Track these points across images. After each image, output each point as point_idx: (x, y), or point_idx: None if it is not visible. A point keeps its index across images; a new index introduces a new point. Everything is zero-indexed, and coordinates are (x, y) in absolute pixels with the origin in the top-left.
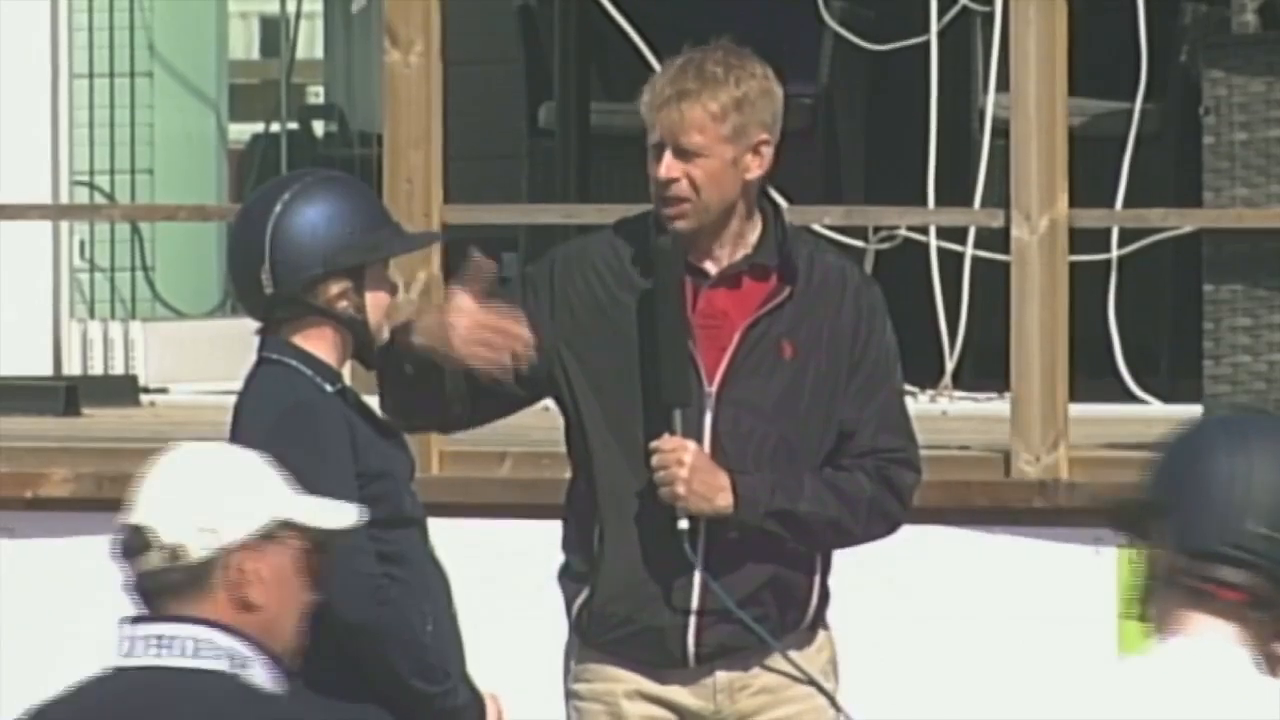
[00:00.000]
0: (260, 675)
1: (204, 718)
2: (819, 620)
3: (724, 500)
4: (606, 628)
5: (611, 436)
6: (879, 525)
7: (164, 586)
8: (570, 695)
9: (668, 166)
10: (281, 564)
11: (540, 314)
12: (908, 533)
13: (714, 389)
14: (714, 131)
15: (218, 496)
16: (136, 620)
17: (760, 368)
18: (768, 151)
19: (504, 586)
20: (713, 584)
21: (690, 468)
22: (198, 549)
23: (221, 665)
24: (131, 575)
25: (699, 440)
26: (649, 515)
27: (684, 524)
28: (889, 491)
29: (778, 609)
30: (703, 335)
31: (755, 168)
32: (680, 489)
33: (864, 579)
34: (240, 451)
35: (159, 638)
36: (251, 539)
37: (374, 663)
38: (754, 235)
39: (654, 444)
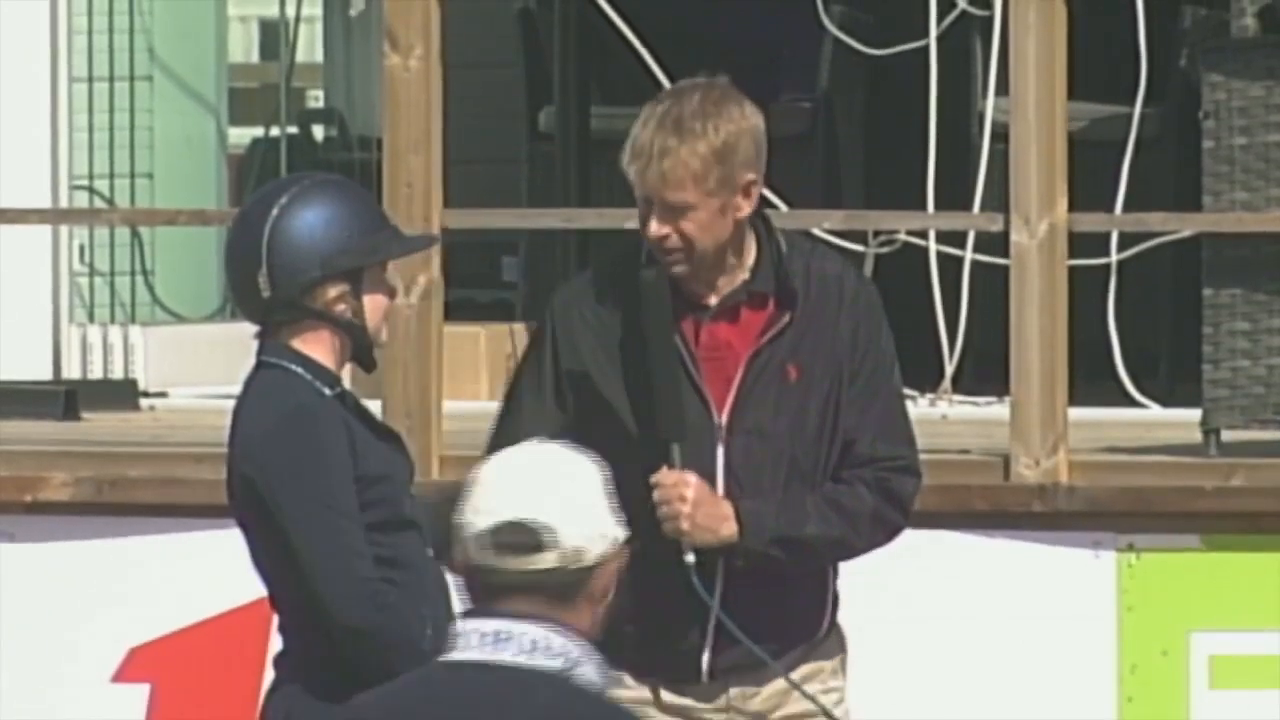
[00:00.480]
0: (591, 674)
1: (538, 715)
2: (832, 627)
3: (728, 530)
4: (620, 648)
5: (617, 471)
6: (880, 535)
7: (536, 585)
8: None
9: (657, 225)
10: (618, 571)
11: (547, 370)
12: (907, 537)
13: (724, 420)
14: (698, 187)
15: (603, 504)
16: (472, 614)
17: (768, 395)
18: (757, 189)
19: None
20: (726, 620)
21: (693, 502)
22: (593, 554)
23: (556, 664)
24: (502, 569)
25: (712, 473)
26: (658, 548)
27: (690, 558)
28: (889, 502)
29: (791, 627)
30: (708, 368)
31: (746, 206)
32: (684, 525)
33: (864, 583)
34: (587, 460)
35: (497, 633)
36: (618, 547)
37: (374, 667)
38: (750, 258)
39: (654, 479)
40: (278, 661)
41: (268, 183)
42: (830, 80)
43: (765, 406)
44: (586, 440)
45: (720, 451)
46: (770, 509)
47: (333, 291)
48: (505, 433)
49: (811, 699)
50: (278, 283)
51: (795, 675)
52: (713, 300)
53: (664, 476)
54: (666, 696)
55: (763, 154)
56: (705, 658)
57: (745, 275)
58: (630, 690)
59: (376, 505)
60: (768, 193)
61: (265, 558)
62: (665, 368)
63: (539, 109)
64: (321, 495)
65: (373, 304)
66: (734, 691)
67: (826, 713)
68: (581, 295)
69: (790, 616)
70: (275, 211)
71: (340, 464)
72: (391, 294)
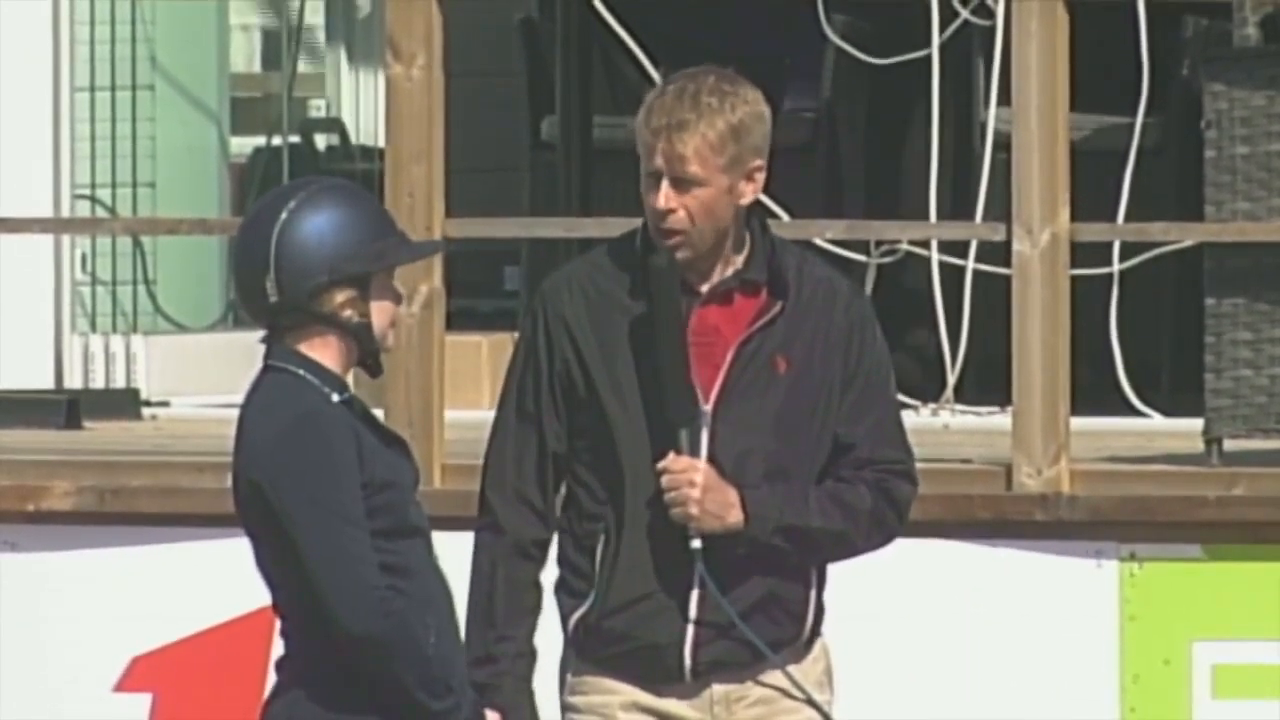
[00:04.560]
0: None
1: None
2: (815, 634)
3: (735, 517)
4: (604, 643)
5: (615, 456)
6: (877, 537)
7: None
8: (566, 708)
9: (665, 197)
10: None
11: (539, 363)
12: (909, 545)
13: (710, 407)
14: (712, 162)
15: None
16: None
17: (755, 384)
18: (761, 176)
19: None
20: (721, 601)
21: (702, 487)
22: None
23: None
24: None
25: (696, 458)
26: (653, 533)
27: (697, 544)
28: (887, 504)
29: (775, 624)
30: (696, 353)
31: (749, 192)
32: (694, 510)
33: (865, 591)
34: None
35: None
36: None
37: (379, 675)
38: (743, 252)
39: (662, 464)
40: (279, 666)
41: (273, 188)
42: (832, 90)
43: (752, 395)
44: (584, 427)
45: (705, 437)
46: (775, 499)
47: (340, 297)
48: (506, 450)
49: (801, 688)
50: (285, 287)
51: (778, 683)
52: (704, 288)
53: (672, 462)
54: (645, 699)
55: (768, 143)
56: (687, 653)
57: (739, 266)
58: (606, 696)
59: (382, 512)
60: (769, 202)
61: (271, 563)
62: (674, 353)
63: (541, 118)
64: (329, 502)
65: (380, 309)
66: (717, 690)
67: (817, 706)
68: (574, 280)
69: (772, 615)
70: (284, 216)
71: (348, 470)
72: (398, 299)
